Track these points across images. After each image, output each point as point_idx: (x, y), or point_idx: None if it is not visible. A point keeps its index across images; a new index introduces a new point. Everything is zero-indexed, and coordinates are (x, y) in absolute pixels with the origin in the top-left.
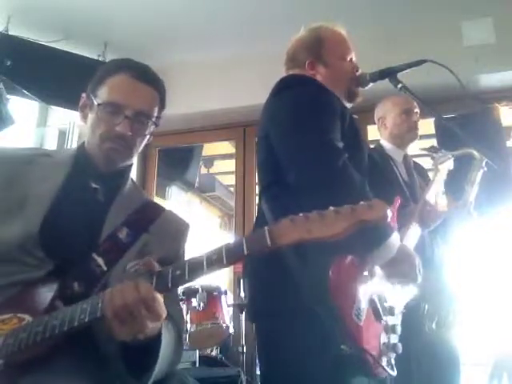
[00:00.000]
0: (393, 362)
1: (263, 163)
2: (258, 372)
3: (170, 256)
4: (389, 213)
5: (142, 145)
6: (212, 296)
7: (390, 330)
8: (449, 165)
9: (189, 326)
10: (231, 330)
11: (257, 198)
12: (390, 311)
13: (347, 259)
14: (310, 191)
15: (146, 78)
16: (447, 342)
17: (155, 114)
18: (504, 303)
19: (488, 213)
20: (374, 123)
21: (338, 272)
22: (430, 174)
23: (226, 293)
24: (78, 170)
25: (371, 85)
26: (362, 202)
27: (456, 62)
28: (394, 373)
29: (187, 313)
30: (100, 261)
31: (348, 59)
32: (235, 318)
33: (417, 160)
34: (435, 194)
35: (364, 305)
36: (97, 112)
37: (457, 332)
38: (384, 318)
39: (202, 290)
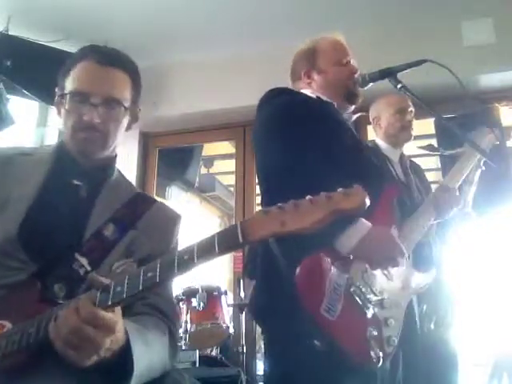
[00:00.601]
0: (380, 355)
1: (258, 170)
2: (258, 372)
3: (159, 251)
4: (367, 201)
5: (120, 131)
6: (212, 296)
7: (381, 323)
8: (492, 139)
9: (189, 326)
10: (231, 330)
11: (257, 198)
12: (380, 304)
13: (316, 255)
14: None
15: (112, 61)
16: (446, 342)
17: (128, 97)
18: (504, 303)
19: (488, 213)
20: None
21: (306, 268)
22: (433, 174)
23: (225, 293)
24: (58, 167)
25: (371, 85)
26: (338, 189)
27: (456, 62)
28: (378, 365)
29: (187, 313)
30: (83, 261)
31: (344, 63)
32: (235, 318)
33: (416, 160)
34: (456, 181)
35: (338, 299)
36: (64, 104)
37: (455, 332)
38: (370, 311)
39: (202, 290)
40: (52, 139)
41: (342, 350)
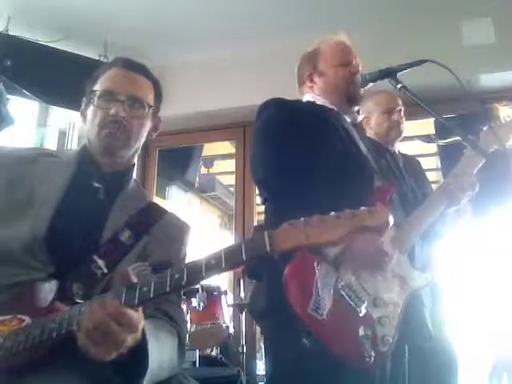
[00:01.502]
0: (372, 354)
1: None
2: (258, 372)
3: (169, 259)
4: (391, 219)
5: (143, 134)
6: (212, 296)
7: (375, 322)
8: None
9: (189, 326)
10: (231, 330)
11: (257, 198)
12: (374, 303)
13: (304, 255)
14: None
15: (137, 68)
16: (444, 343)
17: (150, 102)
18: (504, 303)
19: (487, 213)
20: None
21: (293, 268)
22: (433, 174)
23: (225, 293)
24: (81, 169)
25: (371, 85)
26: (362, 208)
27: (456, 62)
28: (369, 364)
29: (187, 313)
30: (101, 263)
31: (346, 63)
32: (235, 318)
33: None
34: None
35: (326, 298)
36: (93, 102)
37: (452, 332)
38: (362, 310)
39: (202, 290)
40: (52, 139)
41: (331, 349)
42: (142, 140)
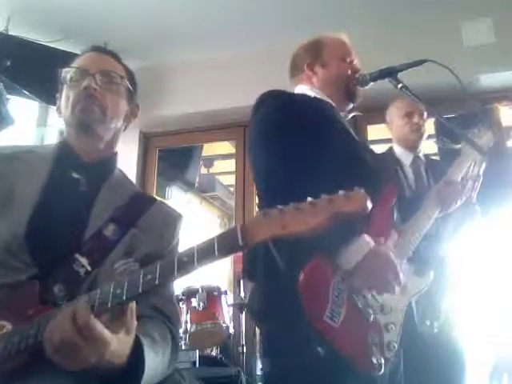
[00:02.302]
0: (382, 361)
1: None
2: (258, 372)
3: (160, 250)
4: (369, 204)
5: (119, 112)
6: (212, 296)
7: (382, 328)
8: (488, 140)
9: (189, 326)
10: (231, 330)
11: (257, 198)
12: (381, 310)
13: (320, 260)
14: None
15: (109, 52)
16: (451, 345)
17: (122, 74)
18: (505, 303)
19: (487, 213)
20: (374, 123)
21: (309, 275)
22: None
23: (225, 293)
24: (59, 163)
25: (371, 84)
26: (340, 192)
27: (456, 62)
28: (380, 372)
29: (187, 313)
30: (84, 261)
31: (348, 61)
32: (235, 318)
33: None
34: (460, 174)
35: (341, 305)
36: (66, 83)
37: (457, 332)
38: (371, 317)
39: (202, 290)
40: (52, 139)
41: (345, 357)
42: (120, 120)
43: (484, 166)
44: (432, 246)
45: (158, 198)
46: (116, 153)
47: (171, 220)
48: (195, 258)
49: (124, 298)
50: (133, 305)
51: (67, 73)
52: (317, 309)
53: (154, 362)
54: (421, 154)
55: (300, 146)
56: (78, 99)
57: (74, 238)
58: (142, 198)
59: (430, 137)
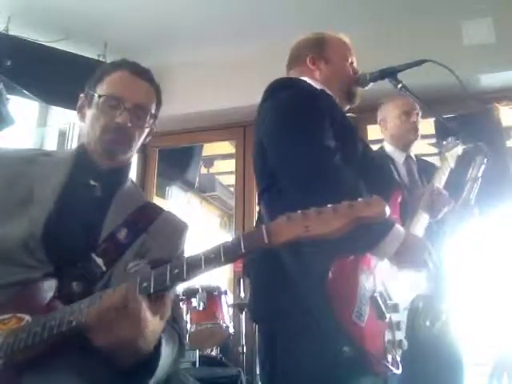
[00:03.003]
0: (398, 358)
1: (259, 168)
2: (258, 372)
3: (167, 256)
4: (387, 210)
5: (141, 140)
6: (212, 296)
7: (394, 326)
8: (457, 151)
9: (189, 326)
10: (231, 330)
11: (257, 198)
12: (394, 308)
13: (346, 260)
14: (304, 194)
15: (144, 74)
16: (447, 341)
17: (153, 110)
18: (504, 303)
19: (487, 212)
20: (374, 123)
21: (337, 275)
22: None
23: (225, 293)
24: (78, 168)
25: (371, 85)
26: (359, 199)
27: (456, 62)
28: (399, 370)
29: (187, 313)
30: (99, 261)
31: (349, 62)
32: (235, 318)
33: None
34: (442, 181)
35: (366, 304)
36: (97, 105)
37: (456, 332)
38: (387, 315)
39: (202, 290)
40: (52, 139)
41: (369, 356)
42: (139, 145)
43: (483, 168)
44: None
45: (157, 200)
46: (130, 163)
47: (179, 229)
48: (221, 254)
49: (152, 290)
50: (169, 295)
51: (100, 95)
52: (346, 308)
53: (165, 357)
54: (412, 154)
55: (328, 131)
56: (108, 129)
57: (90, 239)
58: (151, 207)
59: (422, 137)
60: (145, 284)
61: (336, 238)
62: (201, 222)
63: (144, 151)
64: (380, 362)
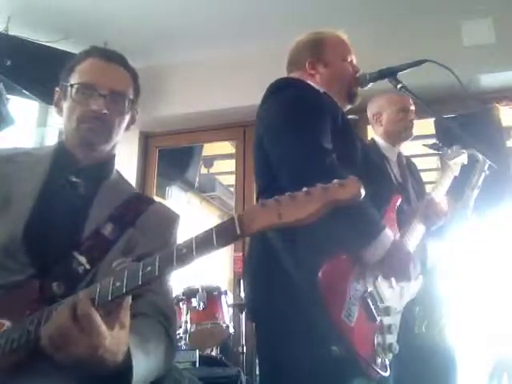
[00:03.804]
0: (387, 362)
1: (259, 167)
2: (258, 372)
3: (157, 250)
4: (362, 191)
5: (122, 128)
6: (212, 296)
7: (385, 330)
8: (462, 159)
9: (189, 325)
10: (231, 330)
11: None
12: (386, 311)
13: (338, 259)
14: None
15: (116, 59)
16: (442, 345)
17: (131, 95)
18: (504, 303)
19: (487, 213)
20: None
21: (328, 273)
22: (433, 174)
23: (225, 293)
24: (57, 165)
25: (371, 85)
26: (334, 181)
27: (456, 62)
28: (386, 373)
29: (187, 313)
30: (82, 259)
31: (348, 60)
32: (235, 318)
33: (416, 160)
34: (443, 190)
35: (355, 305)
36: (71, 96)
37: (451, 335)
38: (378, 318)
39: (202, 290)
40: (52, 139)
41: (358, 356)
42: (122, 132)
43: (483, 176)
44: (425, 250)
45: (157, 199)
46: (114, 155)
47: (168, 220)
48: (194, 248)
49: (124, 290)
50: (128, 299)
51: (73, 84)
52: (336, 307)
53: (145, 361)
54: (401, 151)
55: (327, 131)
56: (84, 118)
57: (72, 237)
58: (140, 198)
59: (419, 138)
60: (98, 294)
61: (311, 223)
62: (201, 222)
63: (144, 151)
64: (369, 364)
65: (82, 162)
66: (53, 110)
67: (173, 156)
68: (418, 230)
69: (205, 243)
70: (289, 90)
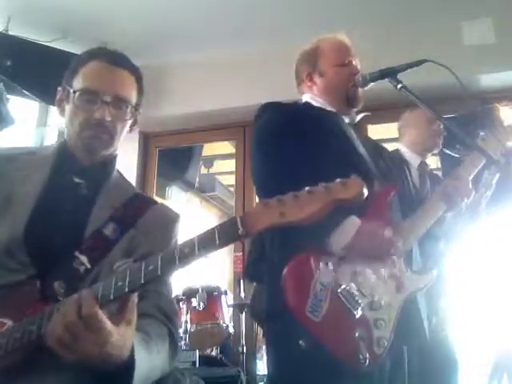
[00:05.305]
0: (367, 356)
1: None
2: (258, 372)
3: (158, 251)
4: (365, 191)
5: (124, 132)
6: (212, 296)
7: (371, 324)
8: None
9: (189, 325)
10: (231, 330)
11: (257, 198)
12: (370, 306)
13: (303, 255)
14: None
15: (121, 62)
16: (444, 343)
17: (134, 100)
18: (504, 303)
19: (494, 212)
20: (375, 123)
21: (292, 269)
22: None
23: (225, 293)
24: (60, 166)
25: (371, 85)
26: (337, 180)
27: (456, 62)
28: (365, 366)
29: (187, 313)
30: (83, 259)
31: (346, 63)
32: (235, 318)
33: None
34: (471, 172)
35: (323, 300)
36: (73, 101)
37: (453, 333)
38: (356, 312)
39: (202, 290)
40: (52, 139)
41: (328, 351)
42: (123, 136)
43: (498, 176)
44: (438, 245)
45: (158, 200)
46: (115, 156)
47: (169, 221)
48: (196, 248)
49: (126, 289)
50: (134, 297)
51: (76, 89)
52: (298, 302)
53: (148, 359)
54: (427, 161)
55: (297, 153)
56: (87, 125)
57: (74, 237)
58: (141, 199)
59: None
60: (101, 293)
61: (314, 222)
62: (201, 222)
63: (144, 151)
64: (344, 358)
65: (84, 163)
66: (53, 109)
67: (173, 156)
68: (435, 208)
69: (207, 243)
70: (262, 117)
